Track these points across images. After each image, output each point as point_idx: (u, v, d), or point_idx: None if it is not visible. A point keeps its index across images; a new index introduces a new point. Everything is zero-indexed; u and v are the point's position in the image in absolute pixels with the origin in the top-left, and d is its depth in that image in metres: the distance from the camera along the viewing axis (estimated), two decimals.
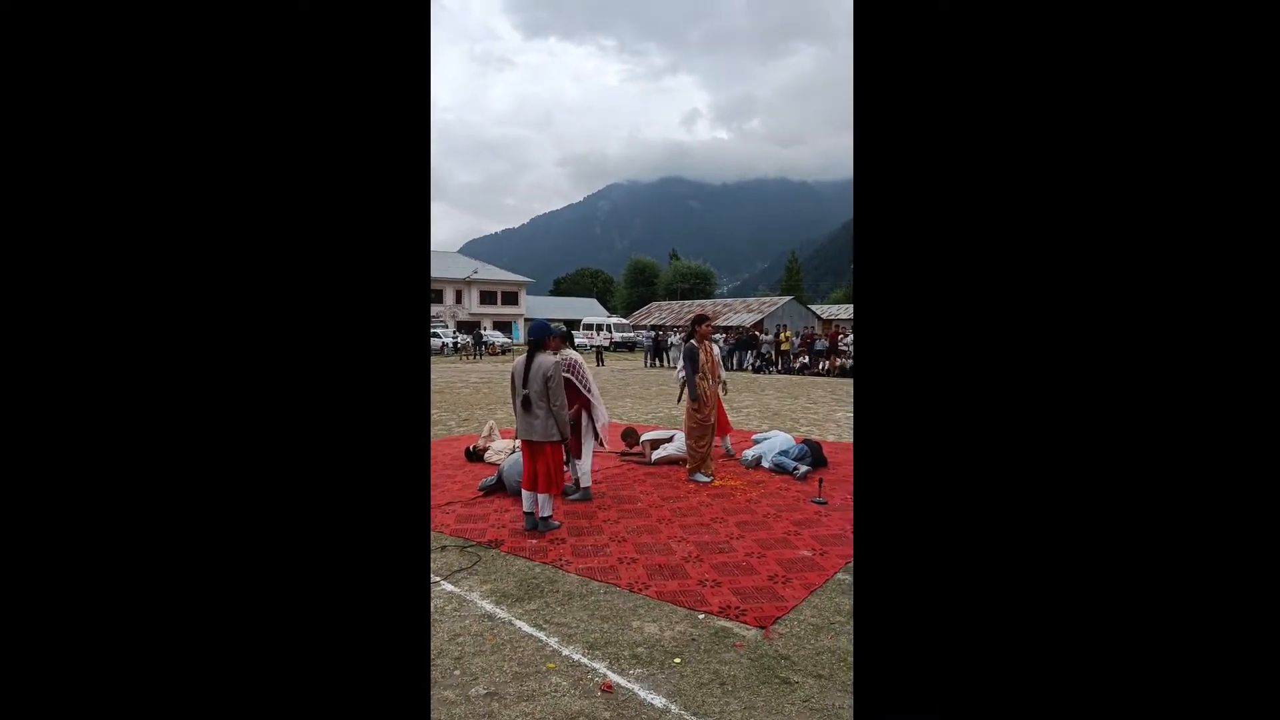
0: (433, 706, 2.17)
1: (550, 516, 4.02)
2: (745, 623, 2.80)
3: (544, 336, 4.05)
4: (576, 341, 33.00)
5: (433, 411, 9.79)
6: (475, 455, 6.02)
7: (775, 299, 40.33)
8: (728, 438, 6.35)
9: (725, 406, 6.40)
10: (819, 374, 18.17)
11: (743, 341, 21.81)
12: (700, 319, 5.49)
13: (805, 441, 5.79)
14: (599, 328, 34.60)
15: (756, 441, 6.09)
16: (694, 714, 2.14)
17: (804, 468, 5.40)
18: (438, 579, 3.28)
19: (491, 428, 6.48)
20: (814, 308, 42.74)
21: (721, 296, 63.03)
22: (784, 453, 5.62)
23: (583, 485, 4.70)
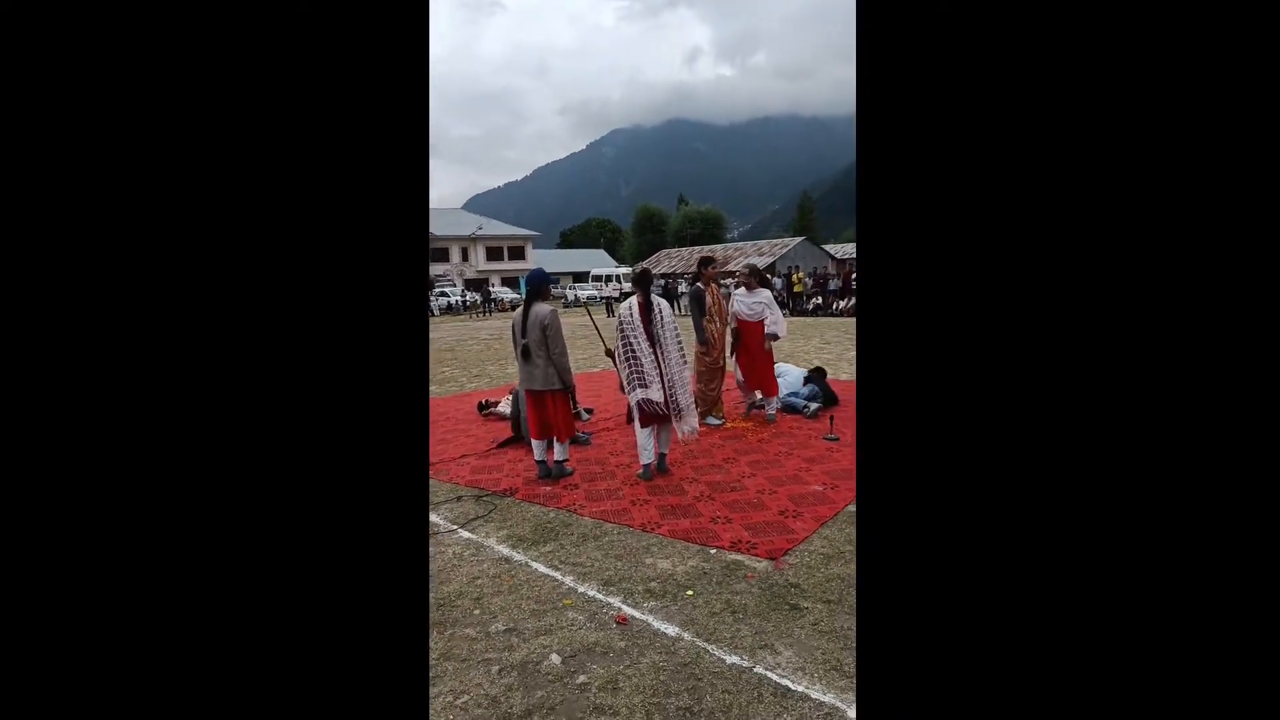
0: (454, 644, 2.26)
1: (565, 461, 4.08)
2: (756, 555, 2.86)
3: (541, 285, 4.01)
4: (585, 295, 32.70)
5: (444, 369, 9.88)
6: (487, 407, 6.10)
7: (787, 240, 39.62)
8: (756, 392, 5.46)
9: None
10: (833, 314, 18.00)
11: None
12: (706, 261, 5.42)
13: (813, 371, 5.83)
14: (608, 278, 34.34)
15: None
16: (706, 640, 2.21)
17: (814, 405, 5.41)
18: (455, 527, 3.37)
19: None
20: (828, 247, 41.95)
21: (733, 241, 62.02)
22: (794, 393, 5.62)
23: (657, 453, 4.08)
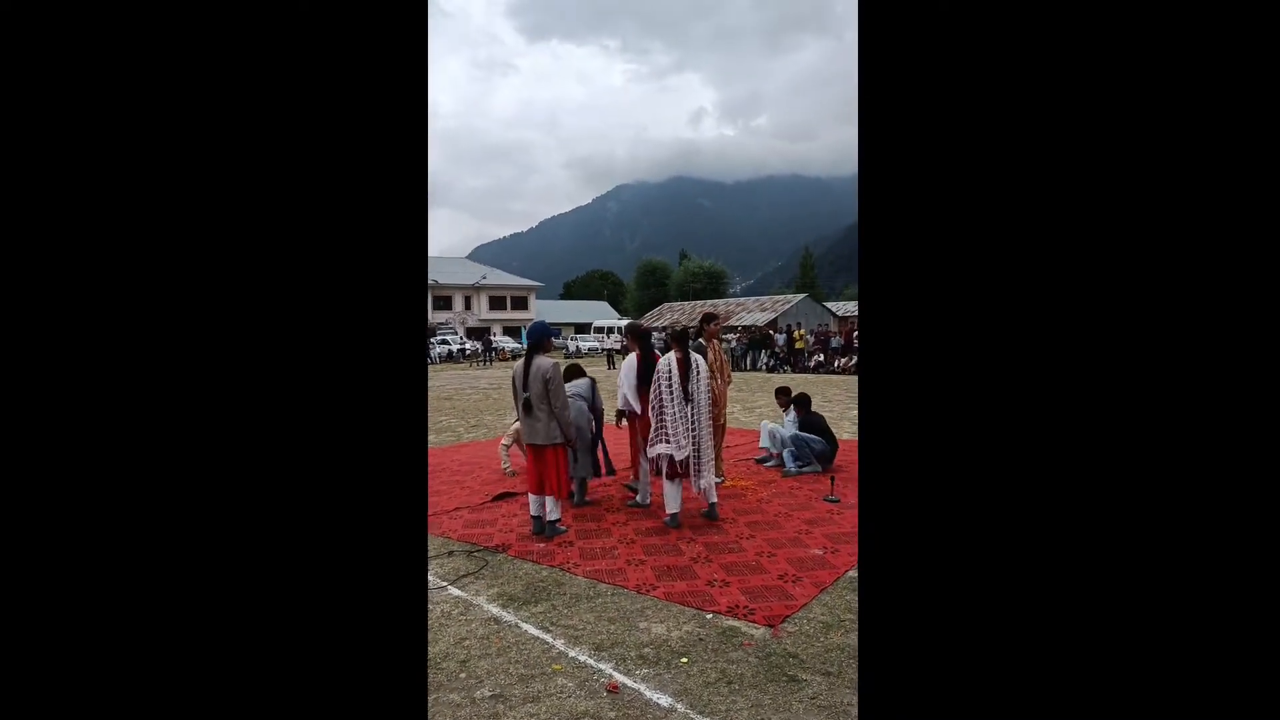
0: (438, 710, 2.17)
1: (557, 521, 4.00)
2: (754, 621, 2.77)
3: (542, 339, 4.03)
4: (586, 346, 32.80)
5: (442, 418, 9.84)
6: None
7: (789, 297, 40.10)
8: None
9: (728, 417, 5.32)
10: (834, 372, 18.04)
11: (755, 341, 21.73)
12: (708, 317, 5.47)
13: (797, 400, 5.92)
14: (609, 331, 34.58)
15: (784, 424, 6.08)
16: (700, 712, 2.12)
17: (796, 467, 5.49)
18: (444, 584, 3.28)
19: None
20: (829, 304, 42.39)
21: (735, 296, 62.81)
22: (786, 450, 5.67)
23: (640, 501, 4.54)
